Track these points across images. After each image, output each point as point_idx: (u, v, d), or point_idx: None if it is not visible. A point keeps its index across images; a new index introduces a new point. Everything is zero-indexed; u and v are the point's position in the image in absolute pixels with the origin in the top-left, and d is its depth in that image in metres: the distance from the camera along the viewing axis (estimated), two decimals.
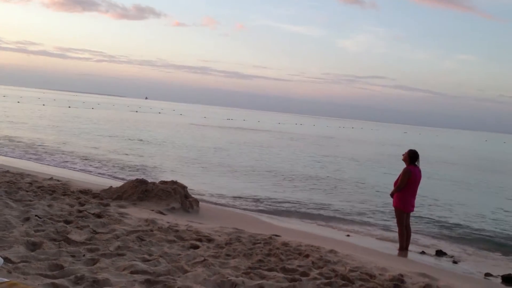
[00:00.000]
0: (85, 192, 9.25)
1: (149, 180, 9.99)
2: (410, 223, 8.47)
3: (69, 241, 5.42)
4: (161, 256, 5.28)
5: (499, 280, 7.04)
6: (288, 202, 12.25)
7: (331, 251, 6.66)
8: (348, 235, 9.21)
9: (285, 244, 6.73)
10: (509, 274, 7.10)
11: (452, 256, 8.30)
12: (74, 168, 14.79)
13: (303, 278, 5.05)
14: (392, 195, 8.27)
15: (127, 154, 19.28)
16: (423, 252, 8.37)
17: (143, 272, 4.64)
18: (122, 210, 8.02)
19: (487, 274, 7.28)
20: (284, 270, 5.38)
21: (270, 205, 11.76)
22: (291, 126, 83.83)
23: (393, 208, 8.42)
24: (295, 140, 40.89)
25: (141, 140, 26.55)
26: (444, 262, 7.91)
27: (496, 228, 11.11)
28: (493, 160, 39.66)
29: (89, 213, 7.14)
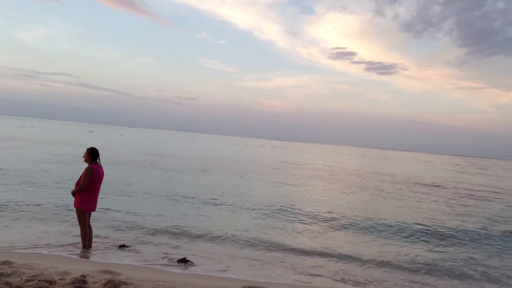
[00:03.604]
0: None
1: None
2: (91, 221, 8.46)
3: None
4: None
5: (176, 263, 7.83)
6: None
7: (4, 262, 5.99)
8: (27, 242, 8.45)
9: None
10: (184, 258, 8.04)
11: (134, 249, 8.70)
12: None
13: None
14: (74, 194, 8.05)
15: None
16: (107, 248, 8.47)
17: None
18: None
19: (166, 259, 8.01)
20: None
21: None
22: None
23: (74, 208, 8.21)
24: None
25: None
26: (126, 256, 8.22)
27: (173, 219, 12.26)
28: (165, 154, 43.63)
29: None
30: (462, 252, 11.01)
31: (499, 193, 29.31)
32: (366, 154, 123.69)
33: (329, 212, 15.30)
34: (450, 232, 13.34)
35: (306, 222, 13.17)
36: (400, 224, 13.99)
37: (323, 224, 13.12)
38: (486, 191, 30.14)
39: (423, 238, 12.20)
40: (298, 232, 11.73)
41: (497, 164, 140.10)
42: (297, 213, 14.60)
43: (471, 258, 10.41)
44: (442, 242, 11.90)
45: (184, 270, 7.58)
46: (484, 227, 14.78)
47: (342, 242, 11.03)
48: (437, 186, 31.13)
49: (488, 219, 16.77)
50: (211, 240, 9.99)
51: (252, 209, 14.62)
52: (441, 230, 13.60)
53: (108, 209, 12.23)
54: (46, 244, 8.45)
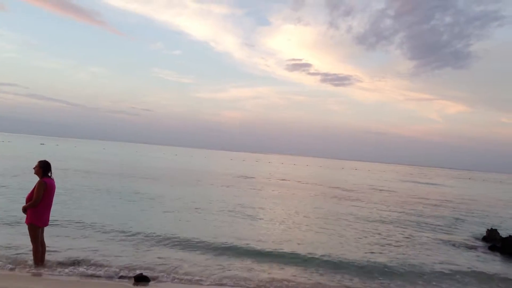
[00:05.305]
0: None
1: None
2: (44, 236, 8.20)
3: None
4: None
5: (132, 281, 7.71)
6: None
7: None
8: None
9: None
10: (141, 274, 7.92)
11: (88, 265, 8.46)
12: None
13: None
14: (25, 210, 7.79)
15: None
16: (60, 265, 8.22)
17: None
18: None
19: (122, 277, 7.88)
20: None
21: None
22: None
23: (25, 225, 7.92)
24: None
25: None
26: (80, 272, 7.99)
27: (128, 233, 12.05)
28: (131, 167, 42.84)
29: None
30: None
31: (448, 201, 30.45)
32: (323, 165, 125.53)
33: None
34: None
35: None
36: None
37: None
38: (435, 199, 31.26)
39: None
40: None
41: (448, 174, 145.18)
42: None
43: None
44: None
45: (141, 286, 7.50)
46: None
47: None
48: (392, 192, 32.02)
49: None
50: (166, 258, 9.85)
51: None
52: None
53: (59, 222, 11.90)
54: None
